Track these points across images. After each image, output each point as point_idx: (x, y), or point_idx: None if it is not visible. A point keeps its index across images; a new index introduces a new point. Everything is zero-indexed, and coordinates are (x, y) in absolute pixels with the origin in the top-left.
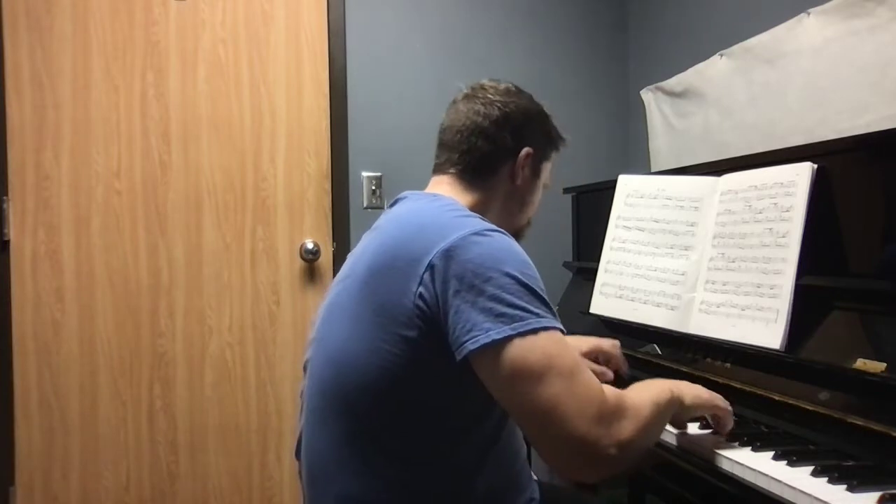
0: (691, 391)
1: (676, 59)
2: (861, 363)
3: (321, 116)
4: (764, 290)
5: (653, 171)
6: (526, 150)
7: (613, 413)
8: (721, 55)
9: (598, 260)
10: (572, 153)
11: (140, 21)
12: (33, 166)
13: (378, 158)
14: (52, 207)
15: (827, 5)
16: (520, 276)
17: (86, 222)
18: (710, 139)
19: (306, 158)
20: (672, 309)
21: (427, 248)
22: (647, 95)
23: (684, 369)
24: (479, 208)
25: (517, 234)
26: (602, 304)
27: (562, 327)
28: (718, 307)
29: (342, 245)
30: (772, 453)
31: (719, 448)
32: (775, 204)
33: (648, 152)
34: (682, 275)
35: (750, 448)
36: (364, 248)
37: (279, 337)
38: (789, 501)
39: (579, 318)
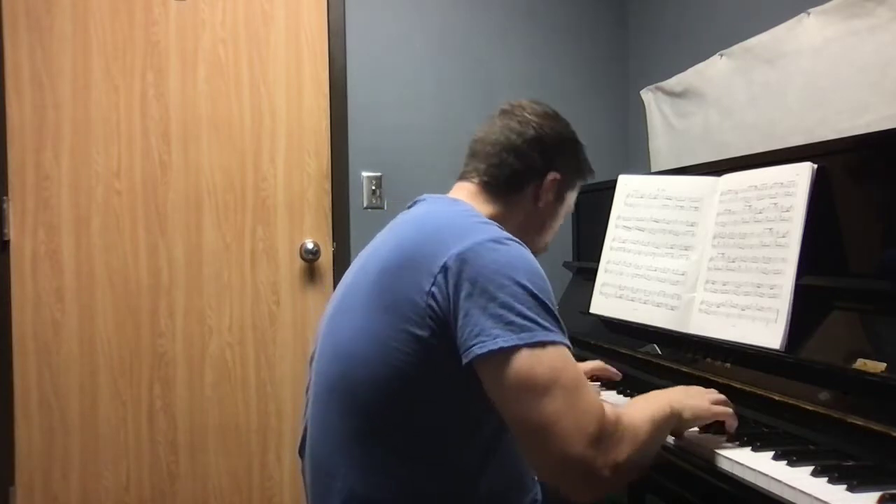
0: (692, 405)
1: (676, 59)
2: (861, 363)
3: (321, 116)
4: (764, 290)
5: (653, 171)
6: (554, 174)
7: (611, 434)
8: (721, 55)
9: (598, 260)
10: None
11: (140, 21)
12: (33, 166)
13: (378, 158)
14: (52, 207)
15: (827, 5)
16: (532, 288)
17: (86, 222)
18: (710, 139)
19: (306, 158)
20: (672, 309)
21: (443, 249)
22: (647, 95)
23: (684, 369)
24: (499, 220)
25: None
26: (602, 304)
27: (569, 343)
28: (718, 307)
29: (342, 245)
30: (772, 453)
31: (719, 448)
32: (775, 204)
33: (648, 152)
34: (682, 275)
35: (750, 448)
36: (378, 246)
37: (279, 337)
38: (789, 501)
39: (579, 318)
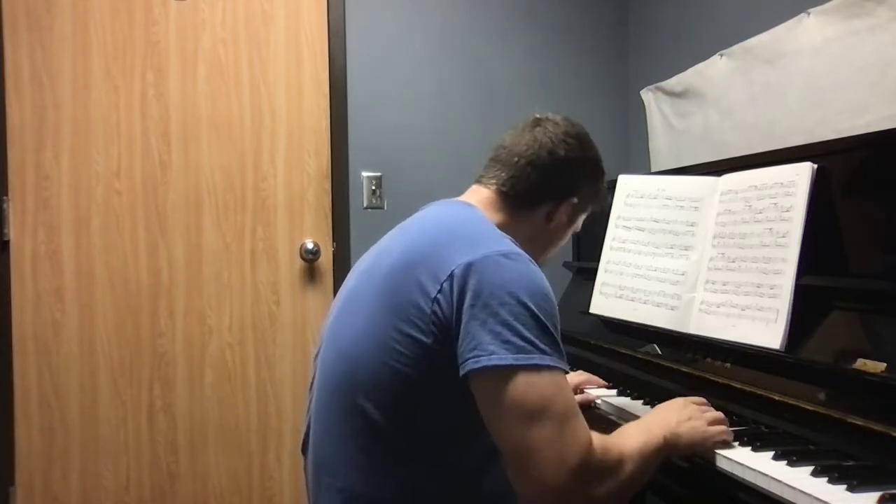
0: (688, 435)
1: (676, 59)
2: (861, 363)
3: (321, 116)
4: (764, 290)
5: (653, 171)
6: (572, 198)
7: (594, 469)
8: (721, 55)
9: (598, 260)
10: None
11: (140, 21)
12: (33, 166)
13: (378, 158)
14: (52, 207)
15: (827, 5)
16: (535, 309)
17: (86, 222)
18: (710, 139)
19: (306, 158)
20: (672, 309)
21: (452, 257)
22: (647, 95)
23: (684, 369)
24: (503, 230)
25: None
26: (602, 303)
27: (566, 367)
28: (718, 307)
29: (342, 245)
30: (772, 453)
31: (719, 448)
32: (775, 204)
33: (648, 152)
34: (682, 275)
35: (750, 448)
36: (388, 246)
37: (279, 337)
38: (789, 501)
39: (579, 318)
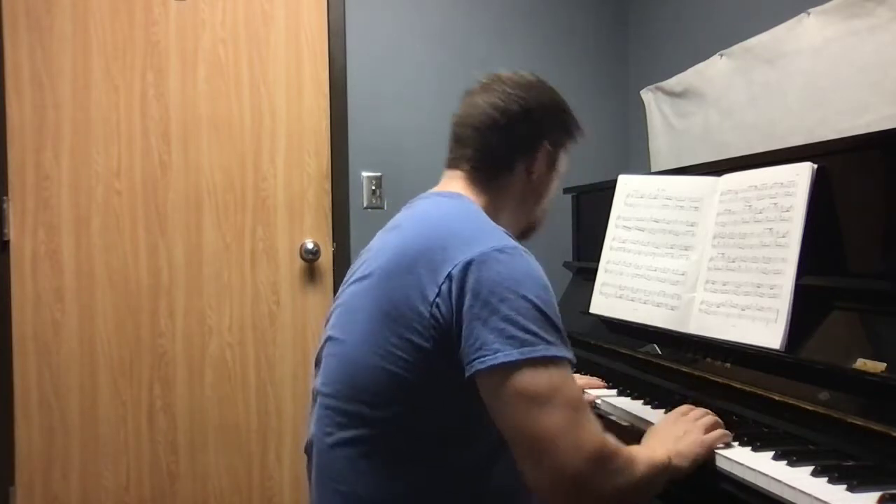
0: (690, 453)
1: (676, 59)
2: (861, 363)
3: (321, 116)
4: (764, 290)
5: (653, 171)
6: (543, 147)
7: (610, 459)
8: (721, 55)
9: (598, 260)
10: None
11: (140, 21)
12: (33, 166)
13: (378, 158)
14: (52, 207)
15: (827, 5)
16: (536, 301)
17: (86, 222)
18: (710, 139)
19: (306, 158)
20: (672, 309)
21: (448, 257)
22: (647, 95)
23: (684, 369)
24: (495, 205)
25: (533, 226)
26: (602, 303)
27: (572, 358)
28: (718, 307)
29: (342, 245)
30: (772, 453)
31: (719, 448)
32: (775, 204)
33: (648, 152)
34: (682, 275)
35: (750, 448)
36: (382, 247)
37: (279, 337)
38: (789, 501)
39: (579, 318)
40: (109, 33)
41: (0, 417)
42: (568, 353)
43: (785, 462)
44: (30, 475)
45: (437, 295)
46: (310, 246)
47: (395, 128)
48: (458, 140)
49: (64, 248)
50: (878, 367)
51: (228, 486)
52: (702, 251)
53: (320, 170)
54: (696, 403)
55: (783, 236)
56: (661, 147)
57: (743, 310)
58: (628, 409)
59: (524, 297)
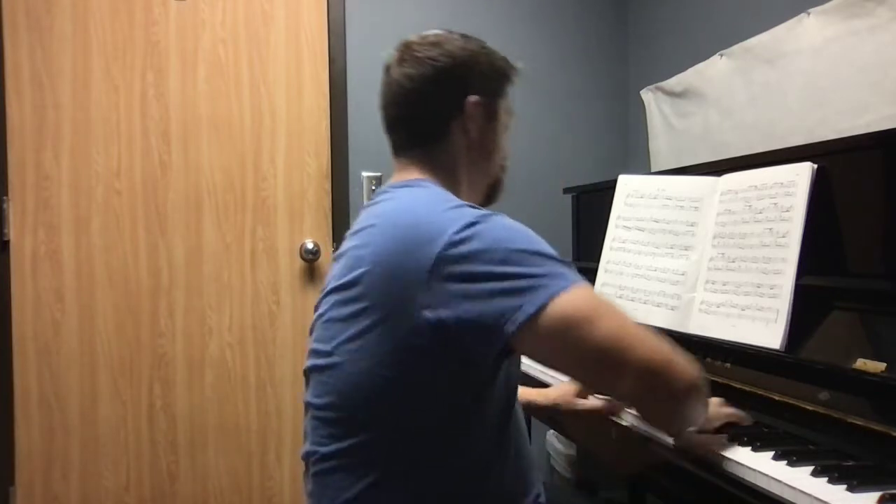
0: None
1: (676, 59)
2: (861, 363)
3: (321, 116)
4: (764, 290)
5: (653, 171)
6: (471, 99)
7: (671, 348)
8: (721, 55)
9: (598, 260)
10: (572, 153)
11: (140, 21)
12: (33, 166)
13: (378, 158)
14: (52, 207)
15: (827, 5)
16: (529, 248)
17: (86, 222)
18: (710, 139)
19: (306, 158)
20: (672, 309)
21: (423, 253)
22: (647, 95)
23: None
24: (450, 177)
25: (496, 185)
26: None
27: (584, 279)
28: (718, 307)
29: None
30: (772, 453)
31: (719, 448)
32: (775, 204)
33: (648, 152)
34: (682, 275)
35: (750, 448)
36: (354, 256)
37: (279, 337)
38: (789, 501)
39: None
40: (109, 33)
41: (0, 417)
42: (576, 277)
43: (785, 462)
44: (30, 475)
45: (426, 293)
46: (310, 246)
47: None
48: (388, 125)
49: (64, 248)
50: (878, 367)
51: (228, 486)
52: (702, 251)
53: (320, 170)
54: None
55: (783, 236)
56: (661, 147)
57: (743, 310)
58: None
59: (517, 251)
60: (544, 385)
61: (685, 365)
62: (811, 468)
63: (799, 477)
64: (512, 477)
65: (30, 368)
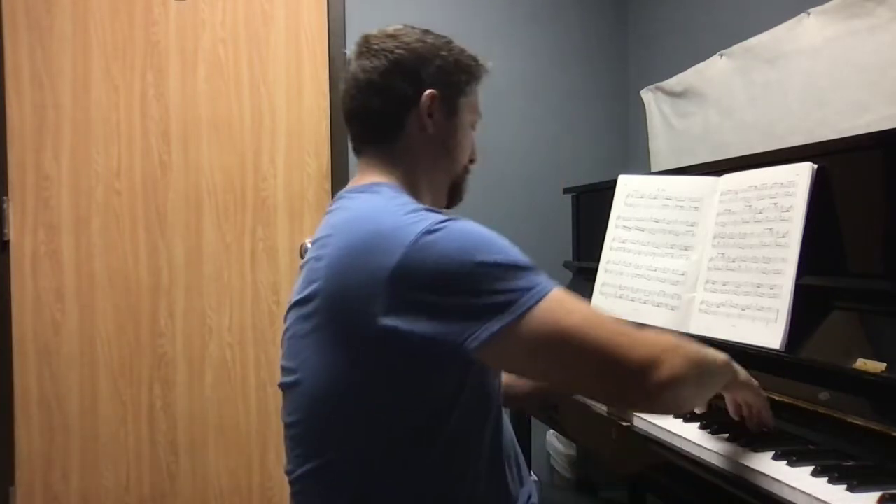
0: (745, 373)
1: (676, 59)
2: (861, 363)
3: (321, 116)
4: (764, 290)
5: (653, 171)
6: (428, 92)
7: (652, 343)
8: (721, 55)
9: (598, 260)
10: (572, 153)
11: (140, 21)
12: (33, 166)
13: None
14: (52, 207)
15: (827, 5)
16: (489, 259)
17: (86, 222)
18: (710, 139)
19: (306, 158)
20: (672, 309)
21: (379, 265)
22: (647, 95)
23: None
24: (409, 176)
25: (458, 186)
26: (602, 304)
27: (551, 283)
28: (718, 307)
29: None
30: (772, 453)
31: (719, 448)
32: (775, 204)
33: (648, 152)
34: (682, 275)
35: (750, 448)
36: (311, 269)
37: (279, 337)
38: (789, 501)
39: None
40: (109, 33)
41: (0, 417)
42: (548, 284)
43: (785, 462)
44: (30, 475)
45: (380, 307)
46: (310, 246)
47: None
48: (347, 119)
49: (64, 248)
50: (878, 367)
51: (228, 486)
52: (702, 251)
53: (320, 170)
54: None
55: (783, 236)
56: (661, 147)
57: (743, 310)
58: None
59: (476, 263)
60: None
61: (673, 356)
62: (811, 468)
63: (799, 477)
64: (494, 485)
65: (30, 368)
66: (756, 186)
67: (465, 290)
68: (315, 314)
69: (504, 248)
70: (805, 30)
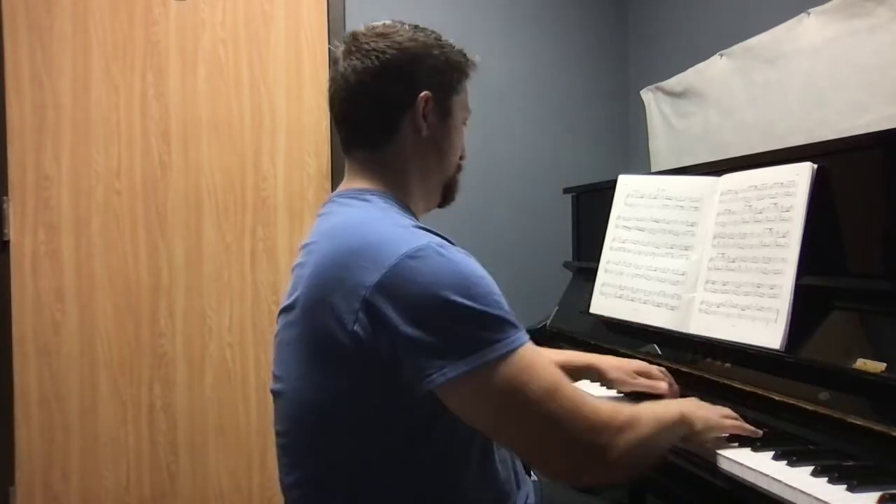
0: (703, 416)
1: (676, 59)
2: (861, 363)
3: (321, 116)
4: (764, 290)
5: (653, 171)
6: (422, 94)
7: (604, 424)
8: (721, 55)
9: (598, 260)
10: (572, 153)
11: (140, 21)
12: (33, 166)
13: None
14: (52, 207)
15: (827, 5)
16: (463, 301)
17: (86, 222)
18: (710, 139)
19: (306, 158)
20: (672, 309)
21: (359, 279)
22: (647, 95)
23: (684, 369)
24: (399, 179)
25: (451, 187)
26: (602, 304)
27: (523, 339)
28: (718, 307)
29: None
30: (772, 453)
31: (719, 448)
32: (775, 204)
33: (648, 152)
34: (682, 275)
35: (750, 448)
36: (297, 275)
37: None
38: (789, 501)
39: (579, 318)
40: (109, 33)
41: (0, 417)
42: (517, 339)
43: (785, 462)
44: (30, 475)
45: (356, 323)
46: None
47: None
48: (337, 121)
49: (64, 248)
50: (878, 367)
51: (228, 486)
52: (702, 251)
53: (320, 170)
54: None
55: (783, 236)
56: (661, 147)
57: (743, 310)
58: None
59: (451, 302)
60: None
61: (613, 442)
62: (811, 468)
63: (799, 477)
64: (490, 487)
65: (30, 368)
66: (756, 186)
67: (430, 326)
68: (297, 323)
69: (482, 291)
70: (805, 30)
